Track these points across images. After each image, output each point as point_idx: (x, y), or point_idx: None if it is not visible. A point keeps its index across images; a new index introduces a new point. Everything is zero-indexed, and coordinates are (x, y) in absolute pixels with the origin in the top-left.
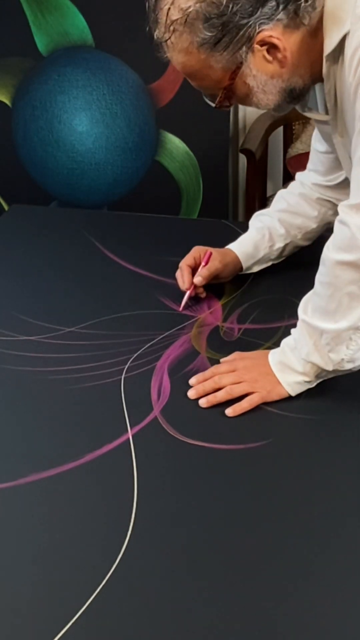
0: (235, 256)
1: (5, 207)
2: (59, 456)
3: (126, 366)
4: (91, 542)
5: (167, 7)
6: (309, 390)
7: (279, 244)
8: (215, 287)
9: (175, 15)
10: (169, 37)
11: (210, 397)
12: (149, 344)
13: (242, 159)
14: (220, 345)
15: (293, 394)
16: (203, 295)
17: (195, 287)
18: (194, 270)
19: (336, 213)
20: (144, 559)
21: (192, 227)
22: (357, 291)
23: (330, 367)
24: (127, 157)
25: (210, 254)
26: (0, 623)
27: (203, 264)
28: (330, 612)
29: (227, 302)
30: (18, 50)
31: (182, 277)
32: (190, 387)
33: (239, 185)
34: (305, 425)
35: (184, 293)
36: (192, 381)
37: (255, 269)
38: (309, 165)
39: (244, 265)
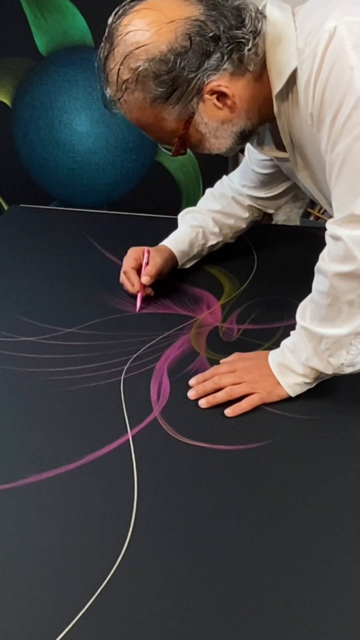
0: (171, 252)
1: (5, 207)
2: (59, 457)
3: (126, 367)
4: (91, 543)
5: (116, 67)
6: (309, 390)
7: (212, 242)
8: (214, 287)
9: (125, 75)
10: (122, 96)
11: (210, 397)
12: (148, 345)
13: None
14: (220, 346)
15: (293, 394)
16: (152, 294)
17: (145, 287)
18: (137, 271)
19: (261, 215)
20: (145, 559)
21: None
22: (357, 299)
23: (330, 371)
24: (127, 157)
25: (149, 251)
26: (0, 624)
27: (145, 262)
28: (330, 611)
29: (226, 303)
30: (18, 50)
31: (130, 280)
32: (190, 387)
33: None
34: (305, 425)
35: (134, 296)
36: (191, 382)
37: (188, 265)
38: (243, 181)
39: (180, 262)
